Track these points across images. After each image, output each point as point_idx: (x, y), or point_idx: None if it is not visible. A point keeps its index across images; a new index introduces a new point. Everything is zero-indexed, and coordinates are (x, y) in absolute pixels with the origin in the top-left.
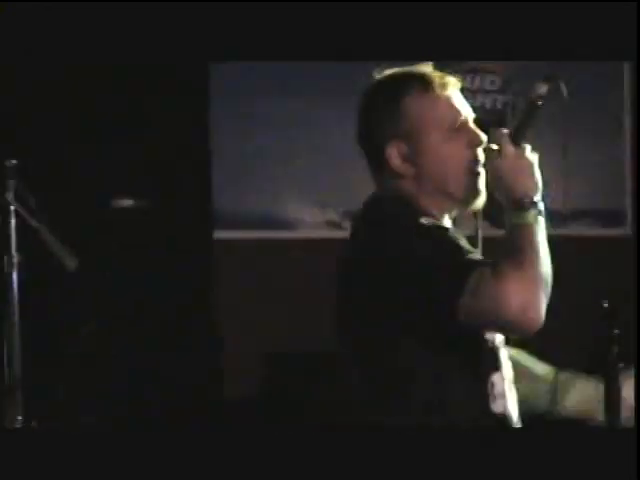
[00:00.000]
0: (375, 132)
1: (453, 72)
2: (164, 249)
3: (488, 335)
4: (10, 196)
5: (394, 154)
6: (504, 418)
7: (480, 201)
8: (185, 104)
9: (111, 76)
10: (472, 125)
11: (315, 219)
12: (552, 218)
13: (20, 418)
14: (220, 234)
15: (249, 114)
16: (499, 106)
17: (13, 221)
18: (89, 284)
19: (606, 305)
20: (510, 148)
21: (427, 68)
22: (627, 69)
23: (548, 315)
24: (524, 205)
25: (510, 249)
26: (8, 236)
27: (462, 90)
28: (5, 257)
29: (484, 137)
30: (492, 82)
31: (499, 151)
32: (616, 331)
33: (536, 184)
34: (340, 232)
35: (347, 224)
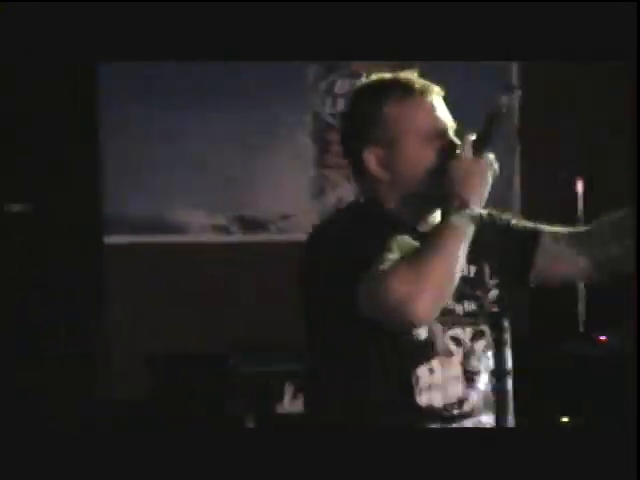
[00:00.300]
0: (355, 136)
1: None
2: (54, 254)
3: (417, 329)
4: None
5: (371, 159)
6: (431, 411)
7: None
8: (73, 106)
9: None
10: (450, 134)
11: (203, 223)
12: None
13: None
14: (110, 239)
15: (138, 116)
16: None
17: None
18: None
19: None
20: (468, 154)
21: (410, 75)
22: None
23: None
24: (453, 207)
25: (420, 247)
26: None
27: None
28: None
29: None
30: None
31: (459, 155)
32: None
33: (479, 193)
34: (228, 237)
35: (235, 228)
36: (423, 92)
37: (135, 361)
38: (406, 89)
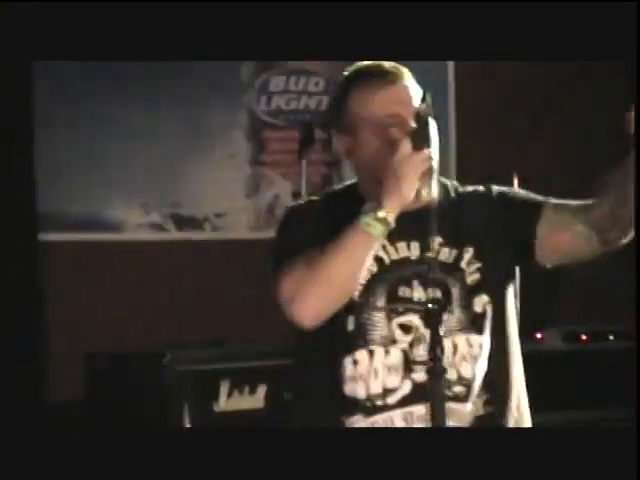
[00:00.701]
0: (329, 125)
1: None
2: None
3: (345, 319)
4: None
5: (339, 146)
6: (354, 402)
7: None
8: (8, 103)
9: None
10: (408, 121)
11: (139, 221)
12: None
13: None
14: (44, 236)
15: (74, 114)
16: (323, 107)
17: None
18: None
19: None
20: (405, 149)
21: (381, 62)
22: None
23: None
24: (368, 207)
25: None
26: None
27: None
28: None
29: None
30: (316, 84)
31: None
32: None
33: (400, 194)
34: (164, 234)
35: (170, 226)
36: (387, 79)
37: (71, 360)
38: (366, 77)
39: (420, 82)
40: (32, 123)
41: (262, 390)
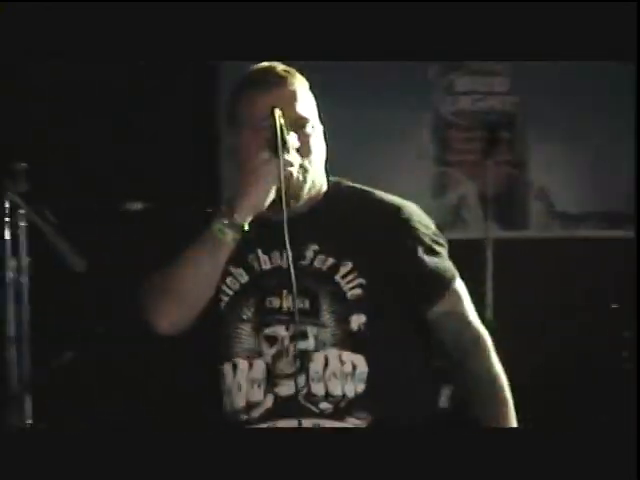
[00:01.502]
0: (227, 124)
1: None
2: None
3: (210, 331)
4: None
5: (232, 149)
6: (225, 415)
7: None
8: None
9: None
10: (280, 125)
11: None
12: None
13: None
14: None
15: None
16: (508, 107)
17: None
18: None
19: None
20: (262, 156)
21: (270, 64)
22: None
23: None
24: (220, 213)
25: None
26: (17, 239)
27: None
28: (12, 261)
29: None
30: (501, 84)
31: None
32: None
33: (250, 202)
34: None
35: None
36: (273, 82)
37: None
38: (248, 80)
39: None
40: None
41: None
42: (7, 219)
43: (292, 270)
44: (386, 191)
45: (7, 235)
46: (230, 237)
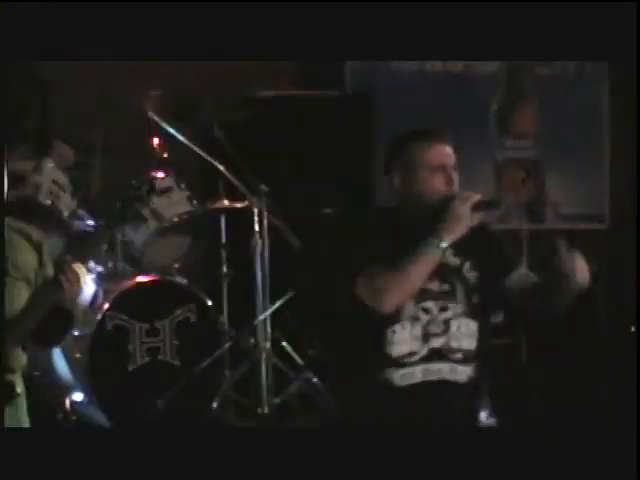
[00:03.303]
0: (387, 166)
1: None
2: None
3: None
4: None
5: (396, 181)
6: (400, 357)
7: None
8: None
9: None
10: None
11: None
12: None
13: None
14: None
15: None
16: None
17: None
18: None
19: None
20: (467, 194)
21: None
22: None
23: None
24: (433, 241)
25: None
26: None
27: None
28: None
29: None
30: None
31: None
32: None
33: (457, 236)
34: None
35: None
36: (438, 138)
37: None
38: (425, 133)
39: None
40: None
41: None
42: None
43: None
44: None
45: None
46: (442, 251)
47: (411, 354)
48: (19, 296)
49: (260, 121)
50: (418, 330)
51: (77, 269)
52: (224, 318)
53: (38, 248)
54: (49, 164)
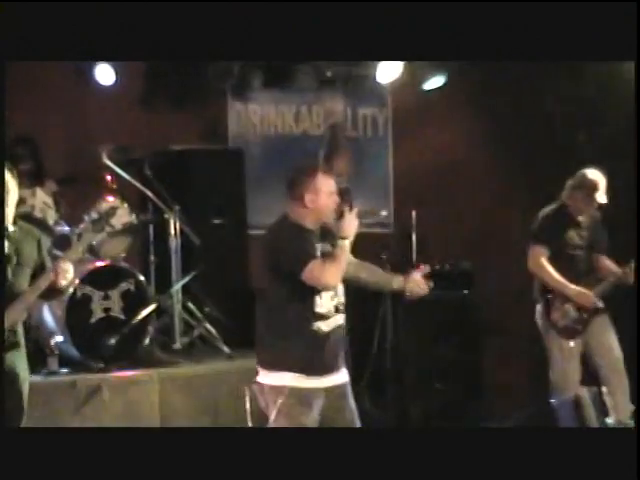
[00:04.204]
0: None
1: None
2: None
3: None
4: None
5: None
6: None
7: None
8: None
9: None
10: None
11: None
12: None
13: None
14: None
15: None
16: None
17: None
18: None
19: None
20: None
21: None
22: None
23: None
24: None
25: None
26: None
27: None
28: None
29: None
30: None
31: None
32: None
33: None
34: None
35: None
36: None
37: None
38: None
39: None
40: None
41: None
42: None
43: None
44: None
45: None
46: (346, 244)
47: (329, 312)
48: (24, 277)
49: (174, 163)
50: (328, 296)
51: (65, 266)
52: (151, 288)
53: (38, 243)
54: (40, 191)
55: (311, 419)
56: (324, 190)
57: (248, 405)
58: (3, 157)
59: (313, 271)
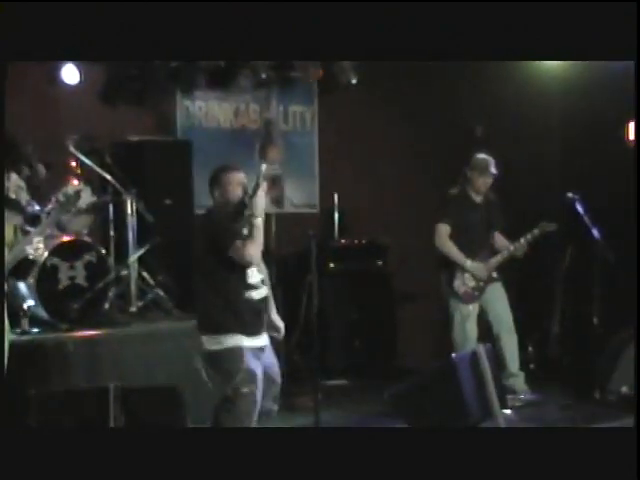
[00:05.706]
0: None
1: None
2: None
3: None
4: None
5: None
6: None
7: None
8: None
9: None
10: None
11: None
12: None
13: None
14: None
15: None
16: None
17: None
18: None
19: None
20: None
21: None
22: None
23: None
24: None
25: None
26: None
27: None
28: None
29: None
30: None
31: None
32: None
33: None
34: None
35: None
36: None
37: None
38: None
39: None
40: None
41: None
42: None
43: None
44: None
45: None
46: (259, 222)
47: (257, 283)
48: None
49: (131, 152)
50: (255, 270)
51: (38, 242)
52: (111, 259)
53: (14, 228)
54: (13, 175)
55: (259, 368)
56: (233, 183)
57: (204, 375)
58: (3, 157)
59: (237, 250)
